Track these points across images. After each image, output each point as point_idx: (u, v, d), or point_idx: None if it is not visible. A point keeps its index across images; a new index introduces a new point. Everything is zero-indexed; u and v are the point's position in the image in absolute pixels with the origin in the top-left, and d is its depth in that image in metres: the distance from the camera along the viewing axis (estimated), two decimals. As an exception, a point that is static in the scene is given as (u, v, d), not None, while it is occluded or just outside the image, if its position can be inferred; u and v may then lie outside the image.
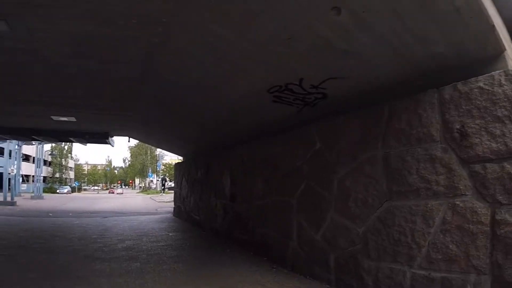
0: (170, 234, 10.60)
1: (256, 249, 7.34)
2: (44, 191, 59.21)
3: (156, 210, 20.17)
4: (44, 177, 69.22)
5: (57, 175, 72.97)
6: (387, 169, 4.17)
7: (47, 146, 38.85)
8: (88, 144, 33.33)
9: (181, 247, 8.50)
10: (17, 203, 22.20)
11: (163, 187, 43.09)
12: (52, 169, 72.00)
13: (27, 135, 14.91)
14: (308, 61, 4.14)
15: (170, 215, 16.59)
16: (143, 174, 70.70)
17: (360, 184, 4.55)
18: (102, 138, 14.43)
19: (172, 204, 22.27)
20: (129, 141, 16.69)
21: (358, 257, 4.49)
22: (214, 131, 9.12)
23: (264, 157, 7.25)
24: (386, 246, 4.05)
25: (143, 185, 78.68)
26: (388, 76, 4.00)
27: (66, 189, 60.10)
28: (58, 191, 54.85)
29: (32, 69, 5.55)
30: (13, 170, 22.57)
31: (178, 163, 16.50)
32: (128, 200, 33.98)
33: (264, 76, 4.81)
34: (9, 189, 22.40)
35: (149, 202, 28.43)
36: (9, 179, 23.16)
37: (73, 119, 10.56)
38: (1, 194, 22.38)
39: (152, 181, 69.32)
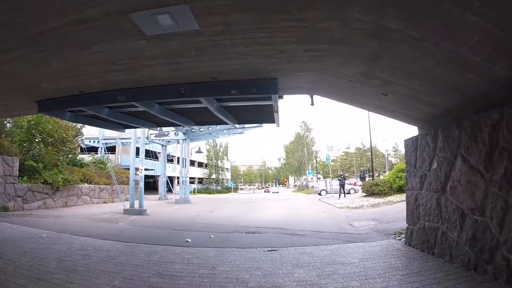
0: None
1: None
2: (200, 192, 58.35)
3: (351, 225, 11.88)
4: (200, 178, 70.48)
5: (214, 176, 72.86)
6: None
7: (193, 144, 33.66)
8: (241, 128, 27.14)
9: None
10: (148, 211, 16.87)
11: (342, 189, 27.73)
12: (208, 170, 72.33)
13: (111, 99, 8.18)
14: None
15: (394, 240, 8.64)
16: (299, 172, 64.27)
17: None
18: (263, 91, 7.10)
19: (366, 211, 15.37)
20: (312, 104, 9.19)
21: None
22: None
23: None
24: None
25: (299, 183, 73.57)
26: None
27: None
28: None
29: None
30: (141, 170, 16.71)
31: (416, 137, 7.60)
32: (292, 204, 26.21)
33: None
34: (138, 193, 16.68)
35: (324, 207, 20.21)
36: (134, 180, 17.62)
37: (191, 22, 4.36)
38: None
39: (312, 179, 62.54)
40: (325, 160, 77.82)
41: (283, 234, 10.14)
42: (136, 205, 16.77)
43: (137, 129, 18.26)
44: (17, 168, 16.48)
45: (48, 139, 19.85)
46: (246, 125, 28.33)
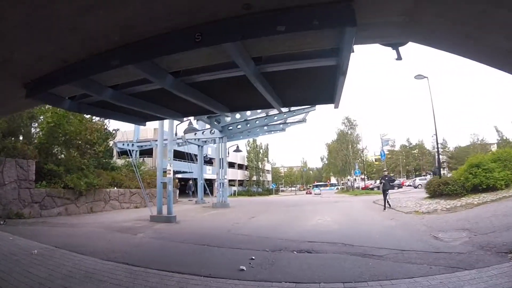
0: None
1: None
2: (241, 194, 55.99)
3: (438, 238, 8.81)
4: (241, 180, 68.23)
5: (254, 178, 70.49)
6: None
7: (230, 144, 30.99)
8: (282, 124, 24.39)
9: None
10: (179, 218, 14.49)
11: (385, 197, 18.31)
12: (248, 172, 71.61)
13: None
14: None
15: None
16: (343, 172, 60.35)
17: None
18: (331, 21, 4.14)
19: (444, 217, 12.15)
20: (399, 58, 5.81)
21: None
22: None
23: None
24: None
25: (342, 184, 69.54)
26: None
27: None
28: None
29: None
30: (169, 172, 14.58)
31: None
32: (344, 208, 21.93)
33: None
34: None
35: (387, 213, 16.26)
36: (163, 183, 15.28)
37: None
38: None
39: (355, 179, 58.47)
40: (370, 160, 73.57)
41: (351, 255, 7.17)
42: (165, 211, 14.30)
43: (164, 126, 15.82)
44: (33, 172, 14.59)
45: (72, 141, 17.95)
46: (288, 120, 25.63)
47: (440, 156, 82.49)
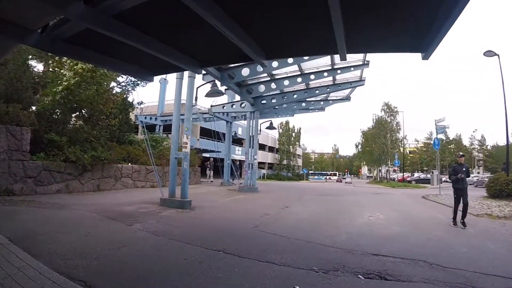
0: None
1: None
2: (270, 178, 53.31)
3: None
4: (270, 164, 65.43)
5: (285, 162, 67.49)
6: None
7: (262, 121, 27.63)
8: (324, 101, 21.09)
9: None
10: (196, 202, 11.99)
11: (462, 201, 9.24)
12: (279, 156, 68.71)
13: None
14: None
15: None
16: (379, 162, 56.04)
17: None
18: None
19: None
20: None
21: None
22: None
23: None
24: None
25: (376, 174, 65.29)
26: None
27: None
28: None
29: None
30: (186, 145, 11.89)
31: None
32: (391, 201, 17.67)
33: None
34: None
35: (450, 213, 11.98)
36: (178, 159, 12.38)
37: None
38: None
39: (395, 170, 54.54)
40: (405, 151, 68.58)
41: (453, 288, 4.20)
42: (178, 194, 11.64)
43: (183, 92, 12.79)
44: (28, 141, 12.21)
45: (81, 110, 15.69)
46: (331, 96, 22.34)
47: (476, 154, 76.53)
